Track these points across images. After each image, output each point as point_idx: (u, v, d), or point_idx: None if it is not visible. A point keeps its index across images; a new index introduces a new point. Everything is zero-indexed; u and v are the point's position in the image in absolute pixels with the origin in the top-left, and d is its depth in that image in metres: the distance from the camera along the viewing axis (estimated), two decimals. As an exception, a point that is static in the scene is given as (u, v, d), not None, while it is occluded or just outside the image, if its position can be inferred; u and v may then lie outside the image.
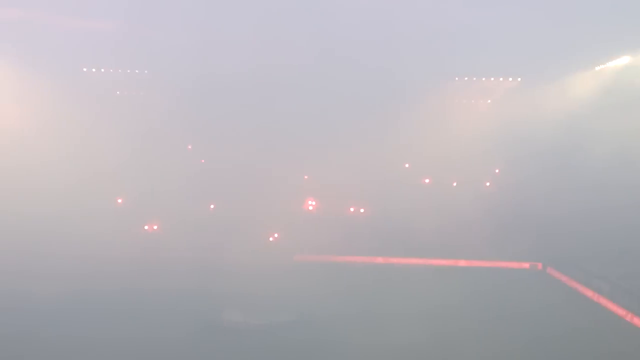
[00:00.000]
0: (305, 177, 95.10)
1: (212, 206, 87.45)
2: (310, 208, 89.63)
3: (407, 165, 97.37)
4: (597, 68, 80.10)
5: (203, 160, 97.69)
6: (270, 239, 79.26)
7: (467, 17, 69.85)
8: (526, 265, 74.10)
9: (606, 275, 62.73)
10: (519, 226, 77.73)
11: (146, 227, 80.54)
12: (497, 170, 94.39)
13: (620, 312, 55.16)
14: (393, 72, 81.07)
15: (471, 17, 69.87)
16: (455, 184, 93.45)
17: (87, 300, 55.06)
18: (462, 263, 74.80)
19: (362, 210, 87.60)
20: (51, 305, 52.45)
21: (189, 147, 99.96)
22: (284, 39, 74.60)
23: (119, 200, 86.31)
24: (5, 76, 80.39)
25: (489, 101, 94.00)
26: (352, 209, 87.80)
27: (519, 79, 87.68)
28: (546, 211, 78.61)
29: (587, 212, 73.87)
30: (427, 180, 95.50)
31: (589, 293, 62.01)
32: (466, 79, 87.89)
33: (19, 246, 69.84)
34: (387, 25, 71.68)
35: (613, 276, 61.99)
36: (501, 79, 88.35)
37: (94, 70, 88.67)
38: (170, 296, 57.15)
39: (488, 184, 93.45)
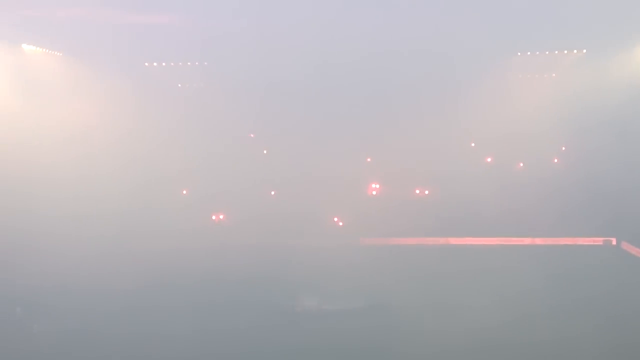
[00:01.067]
0: (368, 159, 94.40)
1: (273, 192, 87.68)
2: (374, 193, 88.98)
3: (473, 145, 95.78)
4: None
5: (265, 151, 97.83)
6: (338, 223, 79.04)
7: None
8: (600, 240, 72.33)
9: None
10: (591, 201, 75.89)
11: (213, 217, 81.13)
12: (563, 147, 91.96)
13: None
14: (455, 49, 79.91)
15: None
16: (522, 162, 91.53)
17: (167, 291, 56.46)
18: (534, 241, 73.35)
19: (426, 192, 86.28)
20: (135, 297, 54.17)
21: (251, 135, 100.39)
22: (344, 26, 74.28)
23: (184, 192, 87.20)
24: (68, 72, 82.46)
25: (554, 75, 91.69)
26: (417, 191, 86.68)
27: (584, 51, 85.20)
28: (617, 185, 76.58)
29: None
30: (490, 159, 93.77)
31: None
32: (529, 53, 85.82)
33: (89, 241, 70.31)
34: (448, 1, 70.70)
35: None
36: (565, 51, 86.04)
37: (155, 64, 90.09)
38: (243, 284, 58.16)
39: (556, 160, 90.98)
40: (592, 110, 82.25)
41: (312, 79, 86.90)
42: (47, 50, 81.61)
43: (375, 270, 61.37)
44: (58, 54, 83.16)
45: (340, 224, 79.08)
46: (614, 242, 72.08)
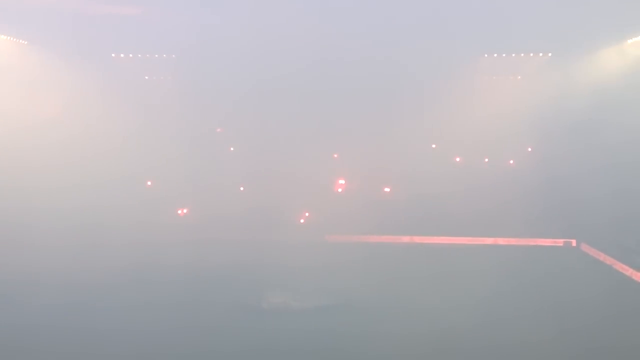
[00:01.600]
0: (335, 155, 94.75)
1: (241, 188, 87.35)
2: (340, 190, 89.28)
3: (434, 146, 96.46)
4: (629, 41, 78.52)
5: (232, 148, 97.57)
6: (302, 220, 79.29)
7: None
8: (560, 242, 73.45)
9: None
10: (552, 203, 77.05)
11: (178, 211, 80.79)
12: (529, 149, 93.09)
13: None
14: (421, 50, 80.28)
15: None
16: (486, 162, 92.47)
17: (124, 286, 55.74)
18: (496, 241, 74.23)
19: (387, 190, 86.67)
20: (83, 293, 53.69)
21: (219, 130, 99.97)
22: (312, 22, 74.20)
23: (149, 183, 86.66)
24: (32, 62, 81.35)
25: (519, 77, 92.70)
26: (385, 189, 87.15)
27: (550, 54, 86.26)
28: (579, 187, 77.74)
29: (620, 187, 72.85)
30: (458, 159, 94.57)
31: (623, 268, 61.41)
32: (495, 55, 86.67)
33: (41, 239, 69.02)
34: (414, 2, 70.95)
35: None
36: (531, 54, 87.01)
37: (122, 55, 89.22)
38: (207, 279, 58.18)
39: (520, 161, 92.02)
40: (556, 112, 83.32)
41: (280, 75, 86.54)
42: (12, 39, 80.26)
43: (340, 267, 61.50)
44: (23, 42, 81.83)
45: (304, 220, 79.34)
46: (574, 244, 73.18)
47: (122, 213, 75.30)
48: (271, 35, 77.71)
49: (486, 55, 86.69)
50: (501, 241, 74.08)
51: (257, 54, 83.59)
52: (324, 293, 52.62)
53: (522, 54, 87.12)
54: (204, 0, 73.23)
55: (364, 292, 53.80)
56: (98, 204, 76.26)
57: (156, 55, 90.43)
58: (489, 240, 74.25)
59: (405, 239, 75.34)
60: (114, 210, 75.92)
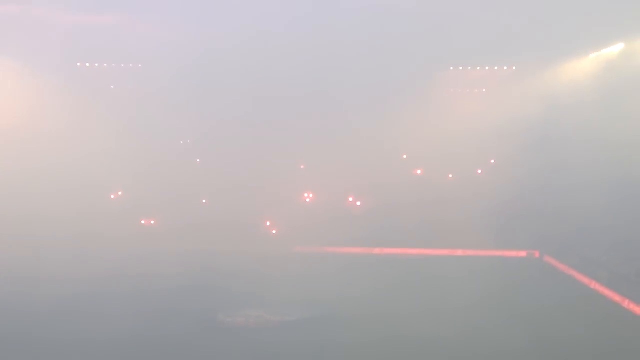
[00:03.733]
0: (302, 166, 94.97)
1: (205, 200, 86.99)
2: (307, 200, 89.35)
3: (404, 157, 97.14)
4: (591, 55, 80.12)
5: (199, 160, 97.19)
6: (270, 230, 79.16)
7: (461, 7, 69.65)
8: (523, 253, 74.27)
9: (603, 262, 63.13)
10: (516, 215, 78.08)
11: (143, 222, 79.92)
12: (492, 161, 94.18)
13: (617, 298, 55.40)
14: (387, 64, 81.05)
15: (465, 7, 69.70)
16: (451, 175, 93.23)
17: (86, 299, 53.83)
18: (460, 253, 74.83)
19: (358, 203, 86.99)
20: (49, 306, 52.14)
21: (184, 141, 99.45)
22: (281, 33, 74.38)
23: (112, 196, 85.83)
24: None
25: (484, 90, 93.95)
26: (350, 199, 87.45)
27: (514, 68, 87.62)
28: (543, 200, 78.97)
29: (583, 200, 73.98)
30: (420, 172, 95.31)
31: (586, 280, 62.26)
32: (461, 68, 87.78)
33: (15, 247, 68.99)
34: (381, 17, 71.54)
35: (610, 263, 62.41)
36: (496, 67, 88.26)
37: (87, 65, 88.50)
38: (173, 293, 56.01)
39: (484, 173, 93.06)
40: (519, 124, 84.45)
41: (247, 86, 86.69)
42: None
43: (308, 279, 61.06)
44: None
45: (273, 231, 79.26)
46: (537, 255, 74.04)
47: (87, 224, 74.35)
48: (239, 45, 77.78)
49: (452, 69, 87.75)
50: (465, 253, 74.59)
51: (223, 66, 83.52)
52: (302, 305, 51.66)
53: (487, 67, 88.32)
54: (170, 11, 72.99)
55: (341, 304, 53.20)
56: (59, 214, 74.77)
57: (122, 65, 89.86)
58: (453, 252, 74.70)
59: (374, 250, 75.51)
60: (77, 220, 74.89)
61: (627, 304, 53.64)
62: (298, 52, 78.03)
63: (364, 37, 73.21)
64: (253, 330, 47.63)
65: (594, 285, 60.32)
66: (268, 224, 79.55)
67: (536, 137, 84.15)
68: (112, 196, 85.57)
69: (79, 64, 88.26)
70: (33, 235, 70.83)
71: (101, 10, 72.97)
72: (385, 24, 71.84)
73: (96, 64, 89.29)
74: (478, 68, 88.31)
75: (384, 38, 74.30)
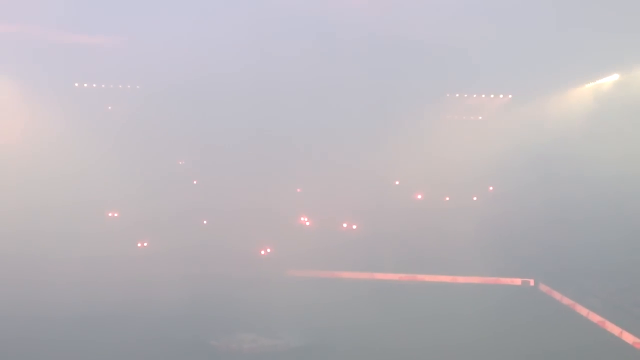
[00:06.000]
0: (299, 189, 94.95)
1: (205, 221, 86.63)
2: (304, 224, 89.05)
3: (397, 183, 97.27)
4: (587, 85, 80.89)
5: (195, 182, 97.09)
6: (263, 252, 78.78)
7: (458, 35, 70.32)
8: (518, 281, 74.12)
9: (598, 291, 63.12)
10: (511, 242, 78.15)
11: (138, 245, 79.32)
12: (490, 188, 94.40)
13: (612, 328, 55.30)
14: (385, 90, 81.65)
15: (462, 35, 70.37)
16: (447, 200, 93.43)
17: (77, 324, 52.34)
18: (455, 279, 74.57)
19: (354, 227, 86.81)
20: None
21: (181, 162, 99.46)
22: (279, 55, 74.96)
23: (109, 215, 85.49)
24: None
25: (481, 117, 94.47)
26: (344, 224, 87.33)
27: (510, 96, 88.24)
28: (539, 227, 79.08)
29: (579, 230, 74.27)
30: (419, 196, 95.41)
31: (580, 309, 62.16)
32: (457, 95, 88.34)
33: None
34: (379, 45, 72.21)
35: (604, 292, 62.40)
36: (492, 95, 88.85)
37: (85, 85, 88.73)
38: (165, 316, 55.08)
39: (480, 200, 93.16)
40: (515, 152, 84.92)
41: (247, 110, 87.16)
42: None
43: (302, 303, 60.70)
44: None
45: (267, 254, 78.92)
46: (532, 283, 73.90)
47: (82, 243, 73.89)
48: (235, 67, 78.23)
49: (448, 95, 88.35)
50: (460, 279, 74.37)
51: (219, 88, 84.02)
52: (298, 331, 51.22)
53: (483, 95, 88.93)
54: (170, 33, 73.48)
55: (335, 329, 52.99)
56: (57, 234, 74.61)
57: (120, 86, 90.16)
58: (448, 278, 74.45)
59: (368, 275, 75.15)
60: (72, 241, 74.40)
61: (620, 333, 53.55)
62: (297, 77, 78.70)
63: (362, 65, 73.93)
64: (247, 355, 47.07)
65: (590, 315, 60.20)
66: (263, 247, 79.06)
67: (532, 165, 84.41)
68: (110, 214, 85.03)
69: (76, 84, 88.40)
70: (26, 254, 70.32)
71: (101, 31, 73.42)
72: (384, 53, 72.58)
73: (94, 85, 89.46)
74: (474, 95, 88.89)
75: (381, 64, 74.98)
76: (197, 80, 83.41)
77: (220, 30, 71.99)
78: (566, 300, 65.67)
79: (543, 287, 72.14)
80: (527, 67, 74.77)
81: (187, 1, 72.25)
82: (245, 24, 71.27)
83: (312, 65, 74.61)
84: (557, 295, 68.20)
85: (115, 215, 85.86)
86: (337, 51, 72.67)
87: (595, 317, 58.99)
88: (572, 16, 66.01)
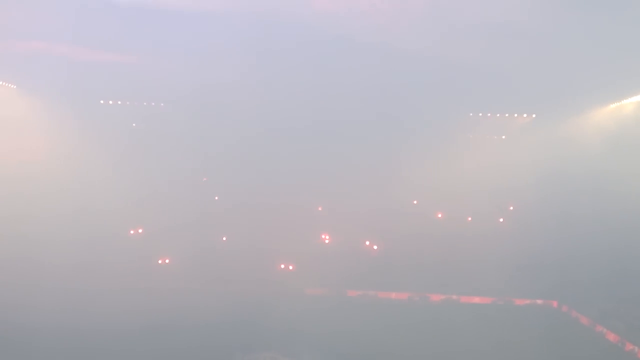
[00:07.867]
0: (320, 208, 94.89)
1: (224, 238, 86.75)
2: (325, 242, 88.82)
3: (415, 202, 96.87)
4: (611, 106, 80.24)
5: (217, 197, 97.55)
6: (286, 270, 78.68)
7: (482, 55, 70.16)
8: (541, 302, 73.20)
9: (621, 314, 62.26)
10: (534, 263, 77.26)
11: (159, 261, 79.65)
12: (511, 207, 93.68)
13: (634, 350, 54.50)
14: (409, 109, 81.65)
15: (486, 54, 70.19)
16: (470, 220, 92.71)
17: (99, 335, 53.97)
18: (477, 300, 73.83)
19: (375, 247, 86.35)
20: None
21: (205, 179, 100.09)
22: (295, 79, 75.41)
23: (132, 232, 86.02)
24: (23, 107, 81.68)
25: (504, 137, 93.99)
26: (367, 243, 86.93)
27: (534, 116, 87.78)
28: (561, 249, 78.20)
29: (603, 251, 73.36)
30: (440, 215, 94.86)
31: (603, 331, 61.35)
32: (480, 114, 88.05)
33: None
34: (402, 63, 72.16)
35: (628, 316, 61.54)
36: (515, 115, 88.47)
37: (110, 102, 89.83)
38: (186, 333, 56.25)
39: (502, 220, 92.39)
40: (538, 171, 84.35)
41: (269, 129, 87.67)
42: (1, 83, 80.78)
43: (319, 321, 60.66)
44: (12, 86, 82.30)
45: (287, 272, 78.81)
46: (555, 305, 72.95)
47: (107, 260, 74.40)
48: (261, 87, 78.79)
49: (471, 114, 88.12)
50: (480, 300, 73.62)
51: (245, 106, 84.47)
52: (316, 350, 51.41)
53: (507, 115, 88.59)
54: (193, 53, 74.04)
55: (354, 346, 52.91)
56: (83, 256, 75.05)
57: (144, 103, 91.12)
58: (470, 299, 73.73)
59: (385, 294, 74.65)
60: (97, 258, 75.00)
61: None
62: (313, 99, 79.07)
63: (386, 84, 74.09)
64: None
65: (611, 337, 59.48)
66: (283, 265, 78.97)
67: (555, 184, 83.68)
68: (132, 231, 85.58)
69: (102, 102, 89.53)
70: (52, 269, 70.98)
71: (124, 48, 74.18)
72: (409, 71, 72.59)
73: (119, 102, 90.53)
74: (498, 115, 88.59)
75: (404, 82, 75.01)
76: (222, 100, 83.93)
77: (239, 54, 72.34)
78: (589, 322, 64.86)
79: (565, 308, 71.26)
80: (551, 87, 74.27)
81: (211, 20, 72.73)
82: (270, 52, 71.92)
83: (327, 87, 74.88)
84: (579, 316, 67.37)
85: (140, 231, 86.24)
86: (362, 68, 72.73)
87: (617, 339, 58.28)
88: (597, 38, 65.57)
